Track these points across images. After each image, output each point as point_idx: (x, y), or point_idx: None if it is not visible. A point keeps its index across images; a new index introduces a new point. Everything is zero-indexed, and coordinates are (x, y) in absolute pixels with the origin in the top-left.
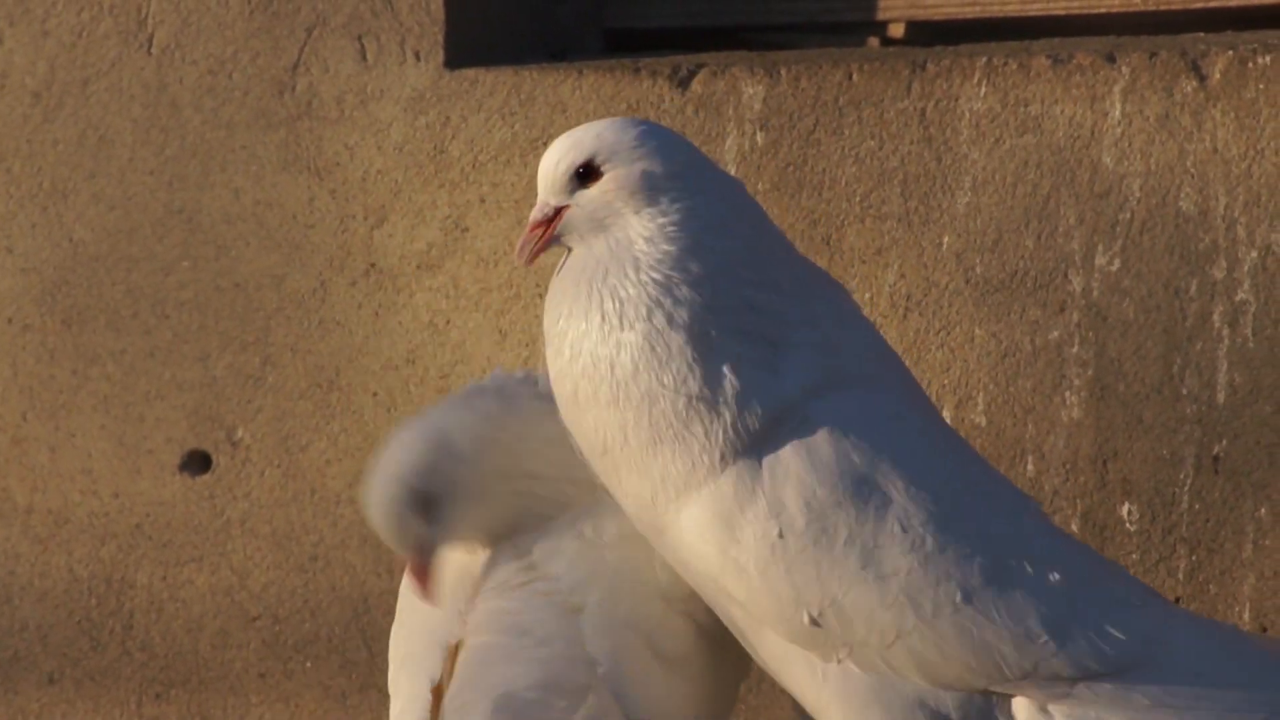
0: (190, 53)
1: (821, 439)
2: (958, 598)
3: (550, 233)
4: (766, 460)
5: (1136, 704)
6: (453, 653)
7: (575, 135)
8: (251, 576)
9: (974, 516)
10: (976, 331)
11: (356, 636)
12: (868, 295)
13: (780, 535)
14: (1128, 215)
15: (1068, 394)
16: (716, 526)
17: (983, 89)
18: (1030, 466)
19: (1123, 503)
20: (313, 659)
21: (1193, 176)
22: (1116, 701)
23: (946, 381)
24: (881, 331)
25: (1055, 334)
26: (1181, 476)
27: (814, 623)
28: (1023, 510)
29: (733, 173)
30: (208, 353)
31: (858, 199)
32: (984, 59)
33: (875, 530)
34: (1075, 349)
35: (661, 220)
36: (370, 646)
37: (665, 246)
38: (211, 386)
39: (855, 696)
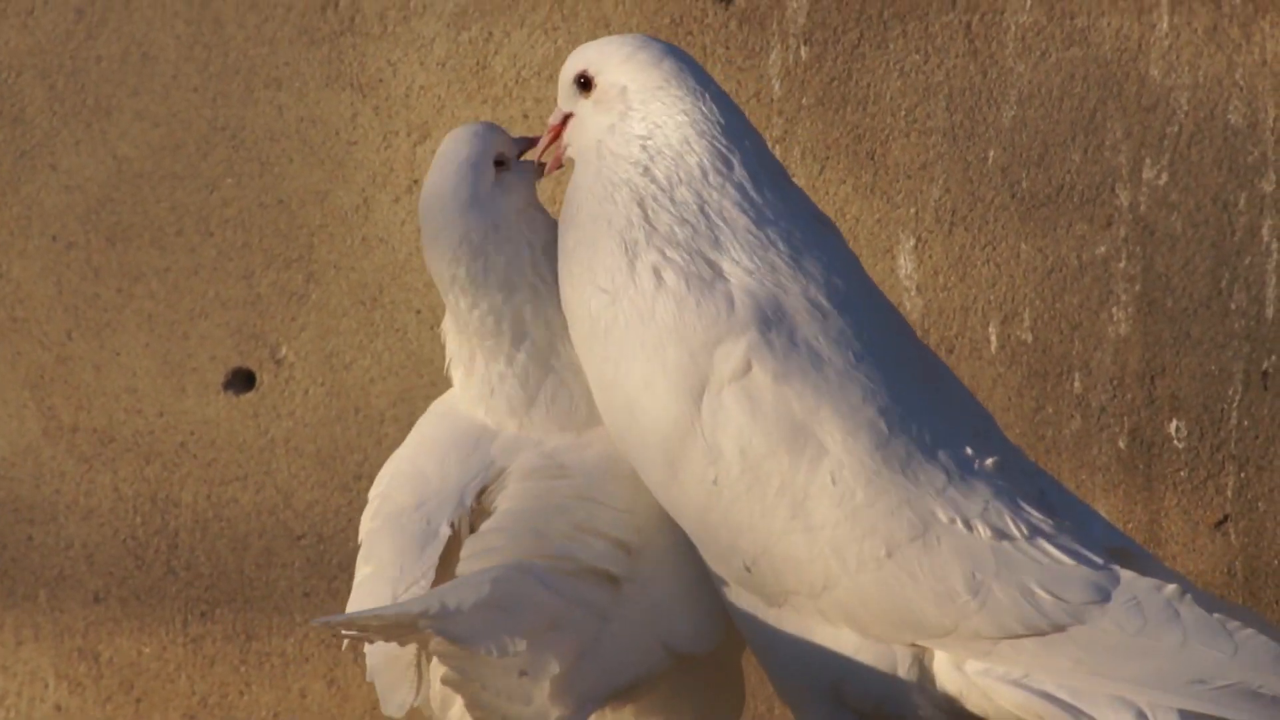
0: None
1: (764, 384)
2: (882, 553)
3: (558, 136)
4: (708, 404)
5: (1057, 665)
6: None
7: (583, 46)
8: (296, 495)
9: (913, 466)
10: (1022, 246)
11: None
12: (913, 210)
13: (715, 482)
14: (1175, 128)
15: (1115, 309)
16: (660, 464)
17: (1029, 1)
18: (1077, 383)
19: (1170, 419)
20: None
21: (1241, 89)
22: (1038, 660)
23: (992, 297)
24: (926, 247)
25: (1102, 249)
26: (1230, 392)
27: (747, 570)
28: (976, 455)
29: (776, 88)
30: (252, 270)
31: (902, 113)
32: None
33: (807, 482)
34: (1123, 264)
35: (630, 134)
36: None
37: (631, 159)
38: (255, 304)
39: (793, 643)
